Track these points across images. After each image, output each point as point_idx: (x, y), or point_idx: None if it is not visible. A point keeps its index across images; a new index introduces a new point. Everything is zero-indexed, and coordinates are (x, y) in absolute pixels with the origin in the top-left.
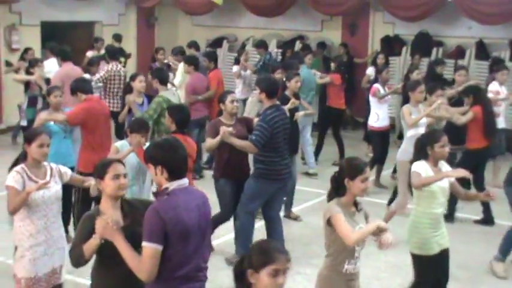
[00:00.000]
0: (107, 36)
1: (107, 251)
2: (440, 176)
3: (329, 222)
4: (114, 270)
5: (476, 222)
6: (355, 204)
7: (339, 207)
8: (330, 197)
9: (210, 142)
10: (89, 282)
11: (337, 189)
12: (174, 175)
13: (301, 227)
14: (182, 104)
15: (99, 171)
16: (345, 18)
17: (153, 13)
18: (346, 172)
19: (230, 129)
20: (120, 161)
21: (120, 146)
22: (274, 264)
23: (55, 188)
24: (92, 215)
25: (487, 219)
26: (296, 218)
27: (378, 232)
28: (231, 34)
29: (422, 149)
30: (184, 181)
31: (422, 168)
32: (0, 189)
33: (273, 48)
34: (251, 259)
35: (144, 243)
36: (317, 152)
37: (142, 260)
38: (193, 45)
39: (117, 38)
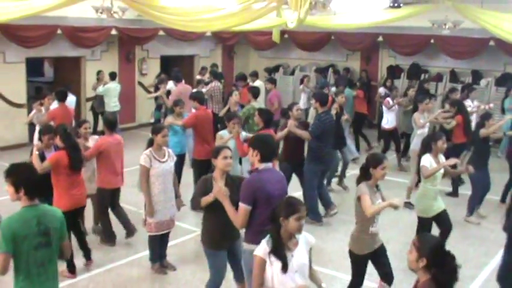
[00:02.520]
0: (204, 64)
1: (214, 205)
2: (441, 166)
3: (358, 199)
4: (217, 217)
5: (447, 194)
6: (376, 186)
7: (366, 187)
8: (359, 181)
9: (280, 134)
10: (192, 228)
11: (364, 175)
12: (264, 159)
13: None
14: (268, 109)
15: (215, 153)
16: (363, 53)
17: (233, 49)
18: (371, 163)
19: (295, 122)
20: (228, 147)
21: (222, 133)
22: (298, 213)
23: (170, 164)
24: (207, 178)
25: (455, 192)
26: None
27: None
28: (285, 63)
29: (428, 145)
30: (270, 164)
31: (427, 161)
32: (133, 164)
33: (313, 72)
34: (282, 210)
35: (240, 203)
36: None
37: (238, 215)
38: (254, 74)
39: (216, 65)
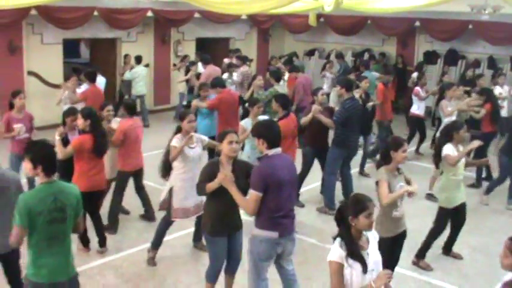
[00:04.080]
0: (240, 47)
1: (218, 191)
2: (466, 151)
3: (377, 184)
4: (220, 201)
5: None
6: (398, 169)
7: (385, 173)
8: (378, 165)
9: (304, 119)
10: None
11: (384, 159)
12: (271, 145)
13: (364, 179)
14: (285, 94)
15: (220, 137)
16: (399, 38)
17: (268, 32)
18: (392, 146)
19: (320, 107)
20: (235, 132)
21: (244, 123)
22: (368, 210)
23: (199, 150)
24: (214, 162)
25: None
26: (367, 175)
27: (407, 194)
28: (320, 47)
29: (449, 133)
30: (278, 149)
31: (450, 150)
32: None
33: (349, 57)
34: (350, 209)
35: (250, 190)
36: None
37: (248, 202)
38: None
39: (238, 50)
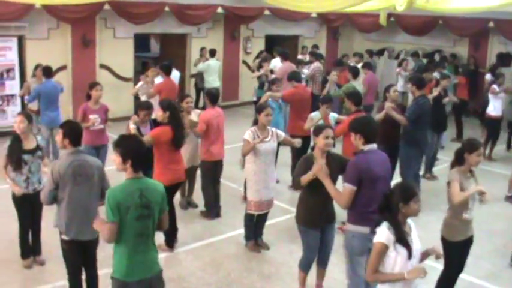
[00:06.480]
0: (308, 45)
1: (313, 184)
2: None
3: (448, 185)
4: (315, 196)
5: None
6: (470, 171)
7: (458, 174)
8: (452, 166)
9: (377, 116)
10: (289, 207)
11: (458, 159)
12: (367, 140)
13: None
14: (357, 91)
15: (316, 132)
16: (471, 38)
17: (338, 30)
18: (466, 148)
19: (392, 104)
20: (330, 127)
21: (314, 115)
22: (417, 196)
23: (273, 144)
24: (308, 157)
25: None
26: (435, 177)
27: (479, 194)
28: (390, 46)
29: None
30: (374, 145)
31: None
32: (234, 142)
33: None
34: (400, 195)
35: (345, 184)
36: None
37: (343, 194)
38: (358, 55)
39: (316, 46)
